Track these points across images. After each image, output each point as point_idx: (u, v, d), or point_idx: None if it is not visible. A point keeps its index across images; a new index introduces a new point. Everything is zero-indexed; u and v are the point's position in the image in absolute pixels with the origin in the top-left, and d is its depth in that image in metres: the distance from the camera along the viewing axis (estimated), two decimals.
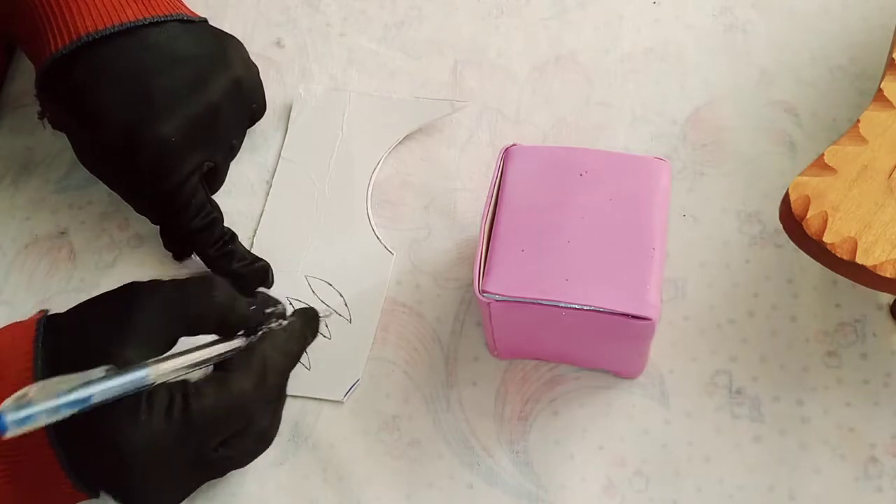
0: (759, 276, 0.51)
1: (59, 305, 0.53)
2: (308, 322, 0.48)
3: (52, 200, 0.57)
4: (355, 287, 0.53)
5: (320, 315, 0.50)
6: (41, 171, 0.58)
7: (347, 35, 0.61)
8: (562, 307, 0.42)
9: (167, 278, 0.46)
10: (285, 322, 0.46)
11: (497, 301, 0.43)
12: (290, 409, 0.50)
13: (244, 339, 0.45)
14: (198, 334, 0.44)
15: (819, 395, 0.48)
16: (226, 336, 0.45)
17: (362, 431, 0.49)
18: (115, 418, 0.39)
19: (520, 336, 0.47)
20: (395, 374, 0.50)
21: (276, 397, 0.45)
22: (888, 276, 0.41)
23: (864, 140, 0.45)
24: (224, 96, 0.51)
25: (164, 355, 0.42)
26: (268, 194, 0.56)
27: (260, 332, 0.45)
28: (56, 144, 0.59)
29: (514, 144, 0.47)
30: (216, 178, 0.54)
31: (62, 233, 0.56)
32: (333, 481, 0.48)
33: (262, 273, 0.52)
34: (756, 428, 0.47)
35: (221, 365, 0.44)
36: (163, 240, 0.54)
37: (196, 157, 0.50)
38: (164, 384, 0.41)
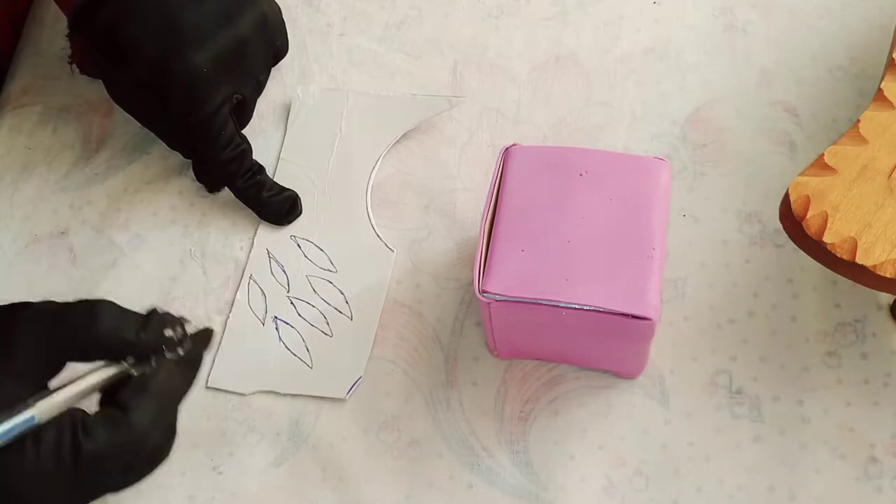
0: (759, 276, 0.51)
1: None
2: (205, 343, 0.43)
3: (52, 200, 0.57)
4: (356, 285, 0.53)
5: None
6: (41, 171, 0.58)
7: (347, 35, 0.61)
8: (562, 307, 0.42)
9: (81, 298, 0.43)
10: (182, 352, 0.41)
11: (497, 301, 0.43)
12: (290, 409, 0.50)
13: (136, 363, 0.40)
14: (85, 361, 0.40)
15: (819, 395, 0.48)
16: (116, 360, 0.40)
17: (362, 431, 0.49)
18: (1, 462, 0.36)
19: (520, 336, 0.47)
20: (395, 374, 0.50)
21: (171, 422, 0.41)
22: (888, 276, 0.41)
23: (864, 140, 0.44)
24: (251, 31, 0.52)
25: (50, 390, 0.38)
26: None
27: (154, 362, 0.40)
28: (56, 144, 0.59)
29: (514, 144, 0.47)
30: (244, 111, 0.55)
31: (62, 233, 0.56)
32: (333, 481, 0.48)
33: (290, 202, 0.54)
34: (756, 428, 0.47)
35: (113, 393, 0.39)
36: (195, 173, 0.56)
37: (225, 88, 0.52)
38: (49, 422, 0.37)
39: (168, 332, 0.41)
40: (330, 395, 0.50)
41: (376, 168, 0.56)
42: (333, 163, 0.56)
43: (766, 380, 0.48)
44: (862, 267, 0.41)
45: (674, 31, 0.59)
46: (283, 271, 0.53)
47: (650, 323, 0.42)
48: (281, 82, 0.59)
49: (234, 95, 0.53)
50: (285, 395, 0.50)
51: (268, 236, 0.55)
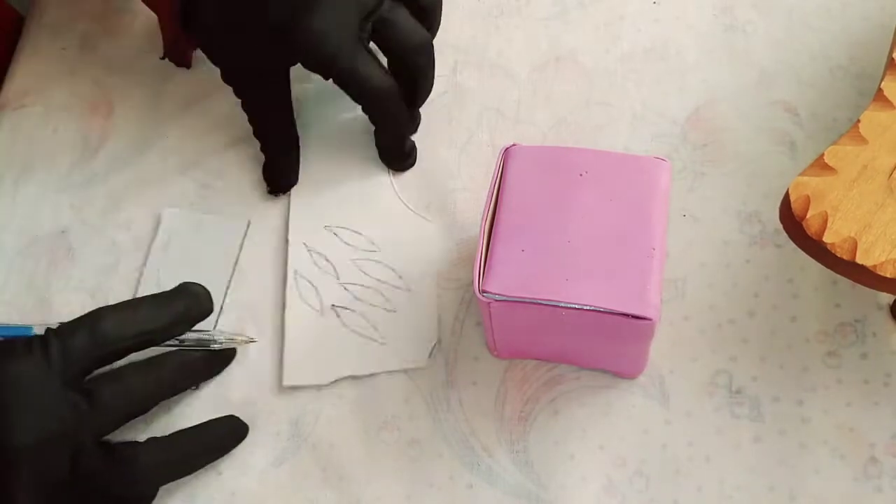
0: (759, 276, 0.51)
1: (59, 306, 0.54)
2: (174, 298, 0.48)
3: (52, 200, 0.57)
4: (403, 258, 0.53)
5: (232, 338, 0.51)
6: (41, 171, 0.58)
7: None
8: (562, 307, 0.42)
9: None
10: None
11: (497, 301, 0.43)
12: (290, 409, 0.50)
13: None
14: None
15: (819, 395, 0.48)
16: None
17: (362, 431, 0.49)
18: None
19: (520, 336, 0.47)
20: (396, 374, 0.50)
21: (127, 407, 0.47)
22: (888, 276, 0.41)
23: (864, 140, 0.44)
24: None
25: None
26: (291, 193, 0.56)
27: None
28: (56, 144, 0.59)
29: (514, 144, 0.47)
30: (394, 28, 0.53)
31: (62, 233, 0.56)
32: (333, 481, 0.48)
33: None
34: (756, 428, 0.47)
35: None
36: (267, 173, 0.56)
37: (349, 20, 0.51)
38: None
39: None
40: (410, 366, 0.50)
41: None
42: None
43: (766, 380, 0.48)
44: (862, 267, 0.41)
45: (674, 31, 0.59)
46: (328, 260, 0.53)
47: (650, 323, 0.42)
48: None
49: (363, 25, 0.51)
50: (361, 376, 0.50)
51: (301, 232, 0.54)
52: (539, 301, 0.42)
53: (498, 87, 0.58)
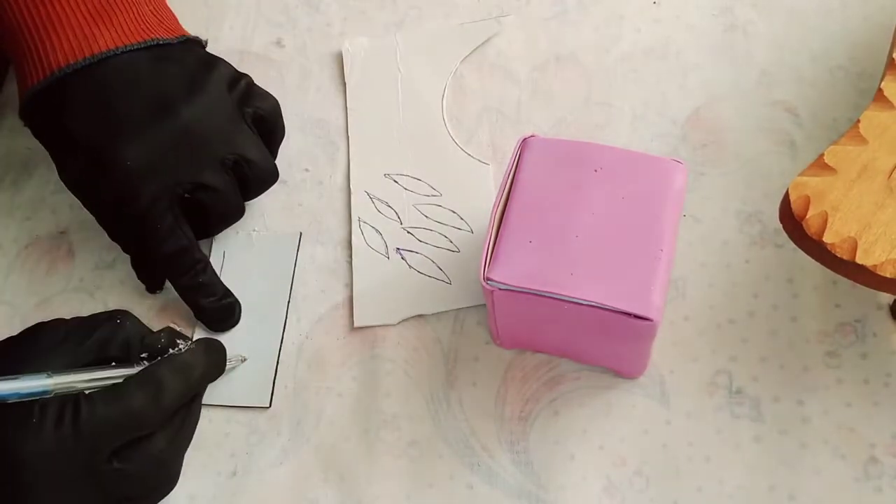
0: (759, 276, 0.51)
1: (60, 305, 0.54)
2: (210, 352, 0.48)
3: (52, 200, 0.57)
4: (464, 201, 0.54)
5: (228, 359, 0.50)
6: (41, 171, 0.58)
7: (347, 35, 0.61)
8: (564, 300, 0.42)
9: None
10: (184, 348, 0.47)
11: (501, 290, 0.43)
12: (291, 409, 0.50)
13: (147, 364, 0.46)
14: (105, 362, 0.45)
15: (819, 395, 0.47)
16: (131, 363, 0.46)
17: (362, 431, 0.49)
18: (7, 423, 0.40)
19: (522, 326, 0.47)
20: (395, 374, 0.50)
21: (173, 421, 0.45)
22: (888, 276, 0.41)
23: (864, 140, 0.44)
24: (196, 117, 0.49)
25: (68, 370, 0.43)
26: (348, 144, 0.57)
27: (159, 358, 0.46)
28: None
29: (532, 135, 0.46)
30: (214, 197, 0.51)
31: (62, 233, 0.56)
32: (333, 481, 0.48)
33: (228, 311, 0.52)
34: (756, 428, 0.47)
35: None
36: (135, 271, 0.53)
37: (163, 180, 0.49)
38: (57, 396, 0.41)
39: (180, 342, 0.47)
40: (481, 303, 0.51)
41: (446, 95, 0.58)
42: (402, 101, 0.58)
43: (767, 380, 0.48)
44: (862, 267, 0.41)
45: (674, 31, 0.59)
46: (390, 206, 0.55)
47: (651, 324, 0.42)
48: (281, 82, 0.60)
49: (177, 187, 0.49)
50: (430, 315, 0.51)
51: (363, 179, 0.56)
52: (542, 293, 0.42)
53: (498, 87, 0.58)
